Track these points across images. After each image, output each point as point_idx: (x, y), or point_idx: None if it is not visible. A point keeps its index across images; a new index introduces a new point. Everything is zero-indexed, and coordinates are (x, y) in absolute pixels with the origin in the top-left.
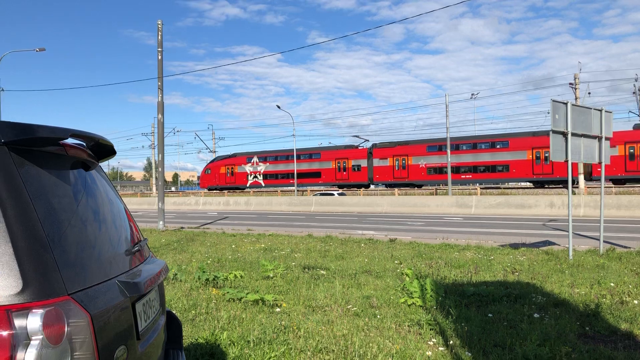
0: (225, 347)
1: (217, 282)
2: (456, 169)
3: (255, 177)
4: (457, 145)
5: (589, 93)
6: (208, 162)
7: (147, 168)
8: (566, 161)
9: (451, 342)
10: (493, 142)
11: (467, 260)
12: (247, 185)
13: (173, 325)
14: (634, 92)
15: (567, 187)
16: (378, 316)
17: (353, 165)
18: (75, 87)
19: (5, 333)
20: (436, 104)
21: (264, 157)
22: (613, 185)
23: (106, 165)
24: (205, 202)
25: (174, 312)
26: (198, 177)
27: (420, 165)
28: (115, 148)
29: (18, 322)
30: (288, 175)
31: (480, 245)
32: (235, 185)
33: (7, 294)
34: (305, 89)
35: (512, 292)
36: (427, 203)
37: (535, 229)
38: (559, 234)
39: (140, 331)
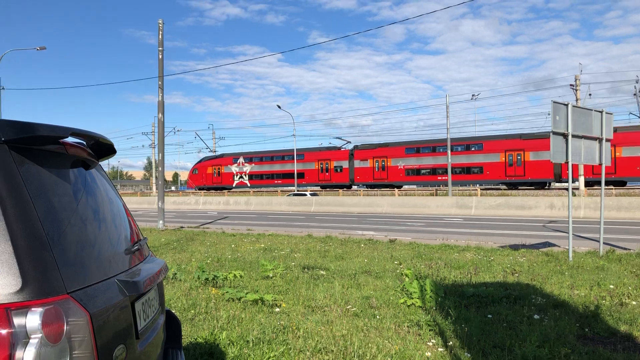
0: (224, 347)
1: (217, 282)
2: (434, 171)
3: (241, 177)
4: (435, 147)
5: (590, 94)
6: (195, 162)
7: (147, 167)
8: (567, 162)
9: (450, 342)
10: (468, 145)
11: (467, 261)
12: (233, 185)
13: (172, 324)
14: (634, 94)
15: (540, 189)
16: (377, 316)
17: (335, 166)
18: (75, 86)
19: (4, 331)
20: (437, 105)
21: (250, 157)
22: (613, 187)
23: (106, 164)
24: (205, 201)
25: (173, 311)
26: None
27: (399, 167)
28: (116, 147)
29: (17, 321)
30: (273, 176)
31: (480, 246)
32: (222, 185)
33: (7, 292)
34: (306, 89)
35: (512, 293)
36: (427, 204)
37: (536, 230)
38: (559, 236)
39: (140, 330)
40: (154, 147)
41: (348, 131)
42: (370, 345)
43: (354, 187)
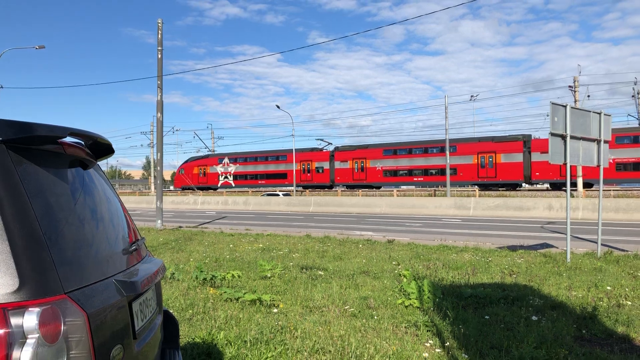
0: (222, 347)
1: (215, 282)
2: (409, 172)
3: (226, 177)
4: (411, 149)
5: (588, 96)
6: (182, 162)
7: (146, 167)
8: (565, 164)
9: (448, 343)
10: (442, 147)
11: (465, 262)
12: (219, 185)
13: (170, 324)
14: (633, 96)
15: (512, 190)
16: (375, 317)
17: (316, 167)
18: (74, 85)
19: (1, 331)
20: (436, 106)
21: (235, 158)
22: (611, 189)
23: (105, 164)
24: (204, 201)
25: (171, 311)
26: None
27: (377, 168)
28: (114, 146)
29: (14, 321)
30: (257, 176)
31: (478, 247)
32: (208, 185)
33: (4, 292)
34: (305, 89)
35: (510, 294)
36: (425, 204)
37: (534, 232)
38: (557, 237)
39: (137, 330)
40: (153, 147)
41: (347, 131)
42: (367, 345)
43: (335, 188)
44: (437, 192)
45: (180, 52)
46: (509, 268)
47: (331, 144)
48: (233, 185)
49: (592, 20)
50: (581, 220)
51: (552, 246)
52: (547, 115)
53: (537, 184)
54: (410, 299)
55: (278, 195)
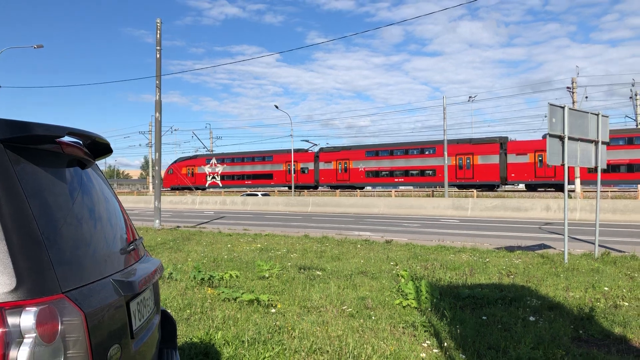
0: (219, 347)
1: (213, 282)
2: (391, 173)
3: (214, 177)
4: (392, 151)
5: (586, 97)
6: (171, 162)
7: (144, 166)
8: (562, 165)
9: (445, 344)
10: (422, 149)
11: (463, 263)
12: (206, 185)
13: (168, 324)
14: (630, 97)
15: (489, 191)
16: (373, 317)
17: (302, 168)
18: (73, 85)
19: None
20: (434, 106)
21: (222, 159)
22: (609, 190)
23: (103, 163)
24: (202, 201)
25: (169, 311)
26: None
27: (360, 169)
28: (113, 146)
29: (11, 320)
30: (244, 177)
31: (476, 248)
32: (196, 186)
33: (1, 292)
34: (304, 90)
35: (507, 295)
36: (423, 205)
37: (531, 232)
38: (554, 238)
39: (134, 330)
40: (151, 146)
41: (345, 132)
42: (365, 346)
43: (320, 188)
44: (435, 192)
45: (179, 52)
46: (506, 269)
47: (317, 144)
48: (220, 185)
49: (590, 21)
50: (579, 221)
51: (549, 247)
52: (545, 117)
53: (512, 184)
54: (408, 299)
55: (257, 195)
